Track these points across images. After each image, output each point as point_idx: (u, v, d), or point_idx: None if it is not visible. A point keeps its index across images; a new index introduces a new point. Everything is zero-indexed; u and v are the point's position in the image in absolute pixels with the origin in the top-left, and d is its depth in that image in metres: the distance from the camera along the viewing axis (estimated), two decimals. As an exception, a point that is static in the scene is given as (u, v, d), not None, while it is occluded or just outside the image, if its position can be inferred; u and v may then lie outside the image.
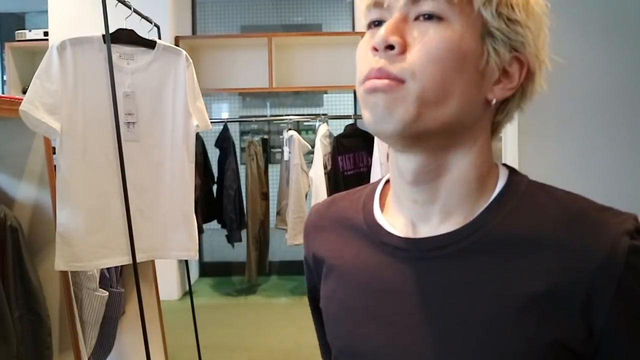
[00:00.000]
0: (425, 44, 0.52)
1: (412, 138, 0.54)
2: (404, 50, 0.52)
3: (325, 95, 6.52)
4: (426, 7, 0.53)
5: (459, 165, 0.57)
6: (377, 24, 0.56)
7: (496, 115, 0.60)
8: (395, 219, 0.62)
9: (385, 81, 0.52)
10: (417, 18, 0.53)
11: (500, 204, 0.57)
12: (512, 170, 0.61)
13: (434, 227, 0.58)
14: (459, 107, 0.54)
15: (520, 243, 0.54)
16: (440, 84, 0.52)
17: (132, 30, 2.05)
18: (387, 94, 0.52)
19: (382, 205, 0.65)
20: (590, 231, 0.52)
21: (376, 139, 3.65)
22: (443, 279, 0.56)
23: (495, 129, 0.61)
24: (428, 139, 0.55)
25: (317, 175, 3.70)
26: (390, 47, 0.52)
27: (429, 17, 0.53)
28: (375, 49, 0.53)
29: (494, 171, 0.60)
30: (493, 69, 0.55)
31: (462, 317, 0.54)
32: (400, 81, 0.52)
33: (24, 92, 3.20)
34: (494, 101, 0.56)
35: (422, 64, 0.52)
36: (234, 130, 5.27)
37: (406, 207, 0.60)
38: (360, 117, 4.14)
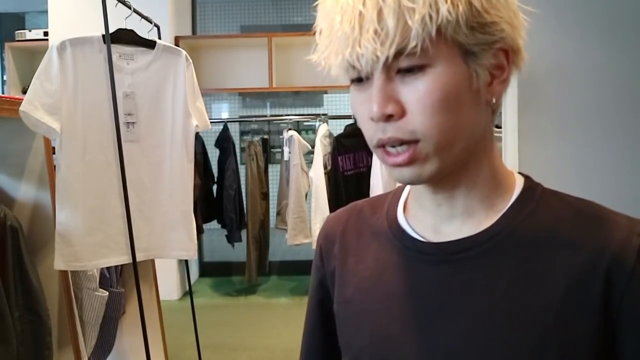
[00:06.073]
0: (422, 101, 0.52)
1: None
2: (403, 113, 0.53)
3: (325, 95, 6.51)
4: (408, 63, 0.51)
5: (475, 168, 0.59)
6: (359, 79, 0.56)
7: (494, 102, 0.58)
8: (418, 221, 0.64)
9: (405, 156, 0.54)
10: (399, 71, 0.52)
11: (519, 208, 0.59)
12: (527, 178, 0.63)
13: (456, 227, 0.60)
14: (471, 132, 0.56)
15: (539, 244, 0.57)
16: (450, 129, 0.53)
17: (132, 30, 2.05)
18: (410, 165, 0.54)
19: (404, 209, 0.67)
20: (603, 231, 0.55)
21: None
22: (466, 280, 0.58)
23: (494, 109, 0.59)
24: (451, 167, 0.57)
25: (317, 175, 3.70)
26: (389, 116, 0.53)
27: (410, 69, 0.52)
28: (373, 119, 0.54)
29: (510, 176, 0.62)
30: (483, 78, 0.54)
31: (485, 316, 0.56)
32: (414, 142, 0.53)
33: (24, 92, 3.20)
34: (493, 100, 0.56)
35: (427, 121, 0.52)
36: (234, 130, 5.27)
37: (430, 211, 0.62)
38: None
